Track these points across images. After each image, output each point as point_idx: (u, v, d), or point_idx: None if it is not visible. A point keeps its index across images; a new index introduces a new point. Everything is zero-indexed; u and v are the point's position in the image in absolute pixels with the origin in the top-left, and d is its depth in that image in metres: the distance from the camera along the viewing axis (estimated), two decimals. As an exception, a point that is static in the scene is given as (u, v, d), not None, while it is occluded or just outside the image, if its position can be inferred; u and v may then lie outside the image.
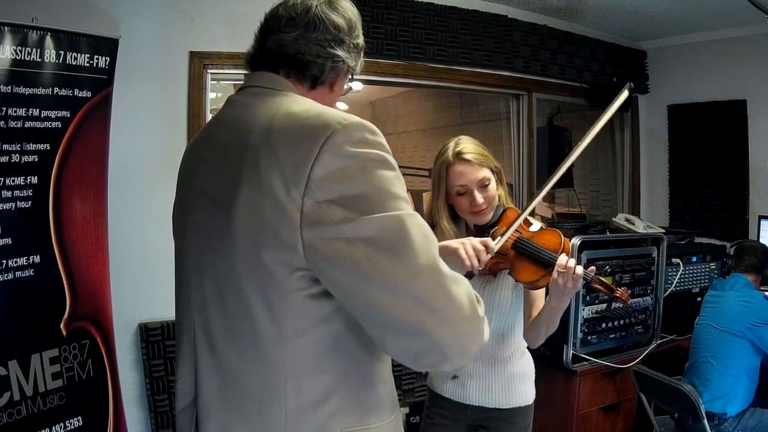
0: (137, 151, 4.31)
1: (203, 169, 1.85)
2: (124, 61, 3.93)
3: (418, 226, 1.59)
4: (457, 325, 1.56)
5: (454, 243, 2.72)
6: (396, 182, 1.63)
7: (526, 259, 2.97)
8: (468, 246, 2.67)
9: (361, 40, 2.00)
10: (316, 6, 1.89)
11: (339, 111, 1.68)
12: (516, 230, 2.96)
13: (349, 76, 2.03)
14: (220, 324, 1.75)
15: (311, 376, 1.68)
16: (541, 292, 3.08)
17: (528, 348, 3.33)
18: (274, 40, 1.89)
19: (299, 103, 1.74)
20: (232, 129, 1.78)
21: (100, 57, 3.77)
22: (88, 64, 3.71)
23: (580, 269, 2.81)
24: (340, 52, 1.90)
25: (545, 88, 6.64)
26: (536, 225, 3.11)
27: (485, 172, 3.11)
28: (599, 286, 2.97)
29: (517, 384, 3.26)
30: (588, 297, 4.78)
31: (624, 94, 2.94)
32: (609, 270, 4.38)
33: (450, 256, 2.49)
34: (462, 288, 1.60)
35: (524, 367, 3.32)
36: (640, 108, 7.55)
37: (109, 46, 3.81)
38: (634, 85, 3.11)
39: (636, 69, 7.39)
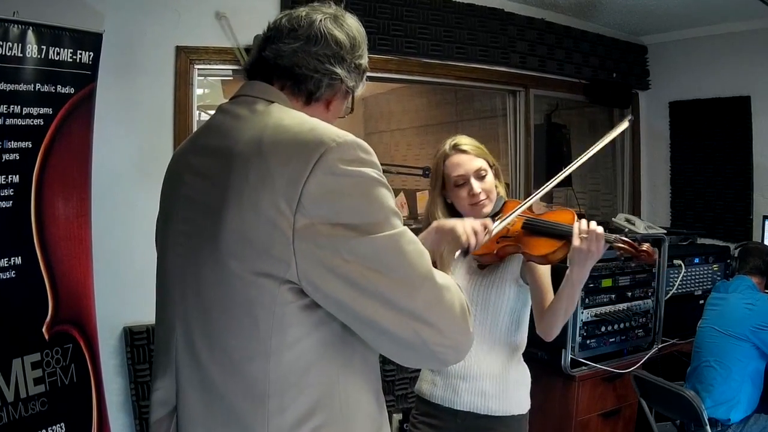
0: (122, 150, 4.31)
1: (190, 176, 1.85)
2: (108, 56, 3.93)
3: (412, 242, 1.65)
4: (452, 334, 1.66)
5: (452, 220, 2.64)
6: (387, 198, 1.66)
7: (539, 236, 3.00)
8: (467, 223, 2.64)
9: (364, 61, 2.01)
10: (321, 20, 1.90)
11: (332, 127, 1.70)
12: (520, 215, 3.02)
13: (349, 98, 2.05)
14: (203, 336, 1.75)
15: (296, 392, 1.68)
16: (548, 277, 3.11)
17: (523, 355, 3.34)
18: (272, 49, 1.90)
19: (291, 116, 1.75)
20: (222, 138, 1.79)
21: (83, 52, 3.76)
22: (71, 60, 3.71)
23: (601, 229, 2.85)
24: (338, 70, 1.91)
25: (543, 84, 6.66)
26: (542, 211, 3.13)
27: (482, 162, 3.19)
28: (623, 245, 2.93)
29: (512, 390, 3.24)
30: (587, 300, 4.79)
31: (624, 125, 3.06)
32: (628, 232, 4.40)
33: (446, 234, 2.48)
34: (455, 297, 1.70)
35: (520, 374, 3.31)
36: (641, 105, 7.58)
37: (92, 41, 3.80)
38: (632, 116, 3.17)
39: (637, 64, 7.42)
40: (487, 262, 3.19)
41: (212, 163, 1.77)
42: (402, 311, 1.60)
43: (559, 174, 3.12)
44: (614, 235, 2.94)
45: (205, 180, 1.78)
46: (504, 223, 2.88)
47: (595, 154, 3.11)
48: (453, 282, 1.75)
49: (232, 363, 1.69)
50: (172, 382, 1.87)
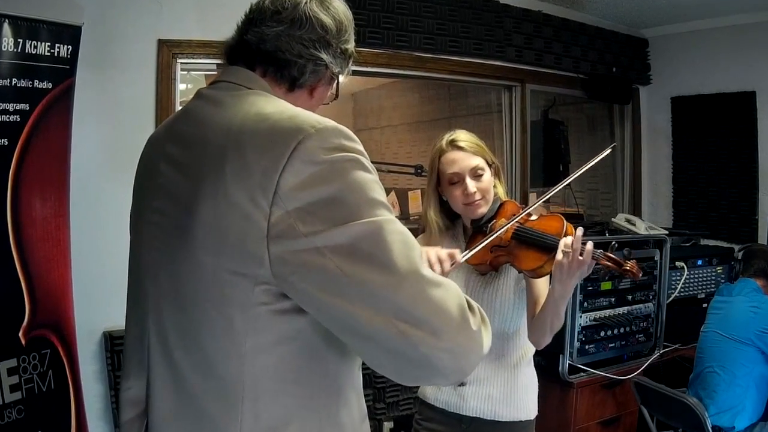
0: (101, 147, 4.30)
1: (165, 164, 1.83)
2: (87, 50, 3.93)
3: (396, 232, 1.57)
4: (448, 336, 1.54)
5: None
6: (374, 186, 1.61)
7: (528, 247, 3.01)
8: (432, 253, 2.66)
9: (350, 46, 1.99)
10: (306, 3, 1.88)
11: (314, 114, 1.67)
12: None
13: (334, 84, 2.03)
14: (176, 333, 1.74)
15: (271, 398, 1.66)
16: (545, 286, 3.08)
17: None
18: (255, 33, 1.87)
19: (273, 104, 1.73)
20: (199, 126, 1.77)
21: (61, 45, 3.75)
22: (48, 53, 3.69)
23: (589, 245, 2.82)
24: (323, 55, 1.88)
25: (540, 79, 6.67)
26: (535, 216, 3.14)
27: (479, 161, 3.17)
28: (607, 263, 2.93)
29: (521, 395, 3.25)
30: (586, 303, 4.81)
31: (606, 152, 3.17)
32: (616, 245, 4.40)
33: None
34: (450, 295, 1.59)
35: (529, 378, 3.32)
36: (642, 100, 7.61)
37: (71, 34, 3.79)
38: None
39: (637, 58, 7.45)
40: (483, 271, 3.21)
41: (188, 152, 1.77)
42: (384, 309, 1.51)
43: (534, 202, 3.16)
44: (599, 251, 2.92)
45: (180, 170, 1.77)
46: (472, 253, 2.86)
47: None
48: (449, 281, 1.65)
49: (207, 362, 1.67)
50: (144, 381, 1.86)
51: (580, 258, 2.79)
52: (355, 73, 6.06)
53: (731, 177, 6.85)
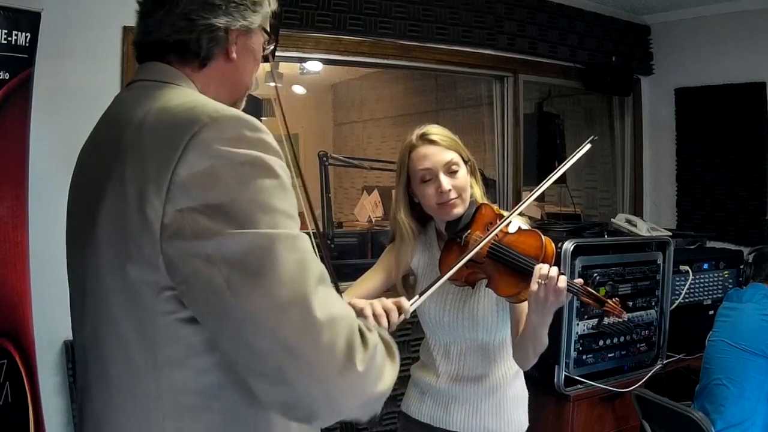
0: (62, 143, 4.17)
1: (80, 174, 1.90)
2: (47, 37, 3.92)
3: (293, 250, 1.54)
4: (324, 377, 1.51)
5: (360, 302, 2.66)
6: (276, 192, 1.58)
7: (504, 268, 2.98)
8: (377, 305, 2.64)
9: None
10: None
11: (216, 103, 1.67)
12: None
13: (258, 35, 1.99)
14: (93, 348, 1.76)
15: (193, 416, 1.65)
16: (526, 307, 3.02)
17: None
18: (142, 27, 1.89)
19: (177, 96, 1.73)
20: (112, 129, 1.78)
21: (19, 33, 3.74)
22: (5, 42, 3.68)
23: (563, 280, 2.78)
24: (213, 20, 1.84)
25: (533, 69, 6.70)
26: (514, 226, 3.08)
27: (453, 155, 3.12)
28: (587, 299, 2.93)
29: (510, 408, 3.26)
30: (583, 309, 4.82)
31: (586, 147, 3.09)
32: (598, 279, 4.38)
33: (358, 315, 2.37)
34: (338, 329, 1.55)
35: (518, 390, 3.34)
36: (644, 92, 7.64)
37: (29, 21, 3.78)
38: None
39: (638, 47, 7.48)
40: (459, 285, 3.17)
41: (98, 156, 1.79)
42: (265, 333, 1.49)
43: (510, 212, 3.09)
44: (578, 284, 2.92)
45: (89, 176, 1.80)
46: (426, 296, 2.84)
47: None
48: (345, 311, 1.62)
49: (122, 378, 1.68)
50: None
51: (556, 290, 2.77)
52: (334, 62, 6.09)
53: (739, 174, 6.85)
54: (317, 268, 1.58)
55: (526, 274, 2.87)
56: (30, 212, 3.94)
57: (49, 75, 4.10)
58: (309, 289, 1.53)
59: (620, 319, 3.10)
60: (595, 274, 4.62)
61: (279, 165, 1.61)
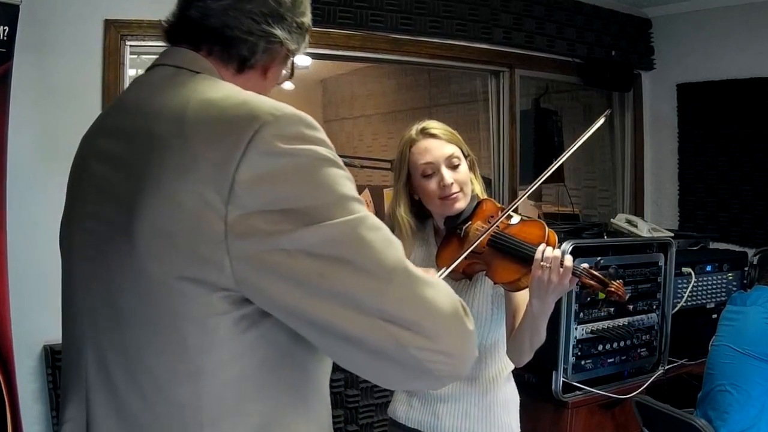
0: (42, 140, 4.29)
1: (98, 163, 1.81)
2: (26, 31, 3.91)
3: (375, 229, 1.57)
4: (442, 338, 1.54)
5: None
6: (344, 180, 1.59)
7: (505, 256, 2.99)
8: None
9: (307, 19, 1.95)
10: None
11: (268, 99, 1.65)
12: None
13: (288, 63, 1.99)
14: (118, 356, 1.69)
15: (231, 421, 1.63)
16: (524, 296, 3.04)
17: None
18: (198, 7, 1.82)
19: (219, 89, 1.70)
20: (136, 117, 1.74)
21: (-4, 26, 3.74)
22: (-19, 35, 3.68)
23: (568, 260, 2.81)
24: (278, 31, 1.84)
25: (530, 64, 6.70)
26: (516, 218, 3.11)
27: (454, 149, 3.16)
28: (590, 281, 2.92)
29: (500, 413, 3.26)
30: (582, 314, 4.82)
31: (600, 121, 3.11)
32: (602, 261, 4.36)
33: None
34: (442, 294, 1.58)
35: (509, 394, 3.33)
36: (644, 87, 7.65)
37: (8, 14, 3.75)
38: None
39: (639, 41, 7.48)
40: (456, 278, 3.18)
41: (125, 147, 1.74)
42: (369, 312, 1.50)
43: (515, 201, 3.14)
44: (582, 267, 2.93)
45: (116, 167, 1.74)
46: (450, 269, 2.87)
47: (572, 151, 3.14)
48: (438, 279, 1.67)
49: (156, 388, 1.63)
50: (84, 411, 1.79)
51: (560, 271, 2.79)
52: (323, 57, 6.08)
53: (744, 173, 6.84)
54: (397, 240, 1.62)
55: (527, 260, 2.90)
56: (8, 212, 3.92)
57: (29, 69, 4.10)
58: (402, 258, 1.58)
59: (622, 302, 3.11)
60: (600, 259, 4.59)
61: (336, 157, 1.63)
